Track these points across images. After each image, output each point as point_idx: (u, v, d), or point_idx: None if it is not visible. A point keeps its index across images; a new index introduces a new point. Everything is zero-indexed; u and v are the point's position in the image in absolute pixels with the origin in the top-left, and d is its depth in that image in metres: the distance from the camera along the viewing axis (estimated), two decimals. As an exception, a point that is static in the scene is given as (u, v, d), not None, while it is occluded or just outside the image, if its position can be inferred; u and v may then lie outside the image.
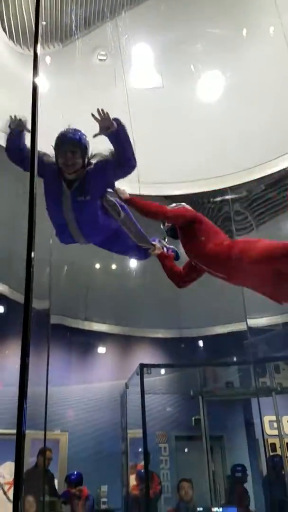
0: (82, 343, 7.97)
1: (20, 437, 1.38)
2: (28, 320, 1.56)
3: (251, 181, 6.01)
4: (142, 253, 3.04)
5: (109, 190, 2.75)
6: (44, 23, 5.26)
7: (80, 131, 2.61)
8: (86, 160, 2.59)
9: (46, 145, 2.45)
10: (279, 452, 6.70)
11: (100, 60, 6.12)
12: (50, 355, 4.99)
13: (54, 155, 2.58)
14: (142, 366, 5.91)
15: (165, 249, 3.10)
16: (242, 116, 5.93)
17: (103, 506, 6.71)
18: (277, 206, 6.19)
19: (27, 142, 2.53)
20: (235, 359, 7.61)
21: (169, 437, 7.40)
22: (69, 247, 6.54)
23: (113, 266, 7.26)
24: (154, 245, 3.02)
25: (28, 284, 1.60)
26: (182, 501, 5.77)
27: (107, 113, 2.50)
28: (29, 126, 2.19)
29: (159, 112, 6.07)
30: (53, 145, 2.58)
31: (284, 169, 5.72)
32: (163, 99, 6.16)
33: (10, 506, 1.30)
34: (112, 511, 6.74)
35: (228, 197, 6.18)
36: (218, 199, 6.29)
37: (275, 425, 6.67)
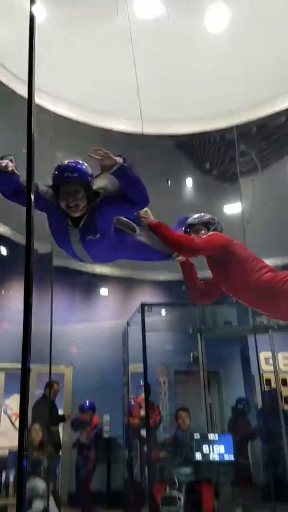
0: (85, 284, 8.12)
1: (24, 370, 1.44)
2: (29, 262, 1.58)
3: (258, 119, 5.80)
4: (165, 256, 2.70)
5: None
6: None
7: (79, 164, 2.23)
8: (91, 195, 2.25)
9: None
10: (273, 386, 7.04)
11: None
12: (54, 296, 5.10)
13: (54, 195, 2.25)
14: (143, 304, 6.06)
15: None
16: (249, 49, 5.60)
17: (105, 434, 7.17)
18: (283, 146, 6.02)
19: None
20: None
21: (169, 371, 7.74)
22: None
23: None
24: (174, 256, 2.68)
25: (29, 226, 1.60)
26: (179, 429, 6.15)
27: (106, 152, 2.17)
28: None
29: (163, 45, 5.74)
30: (51, 183, 2.24)
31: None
32: (167, 30, 5.79)
33: (17, 434, 1.40)
34: (114, 439, 7.21)
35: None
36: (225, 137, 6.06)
37: (271, 361, 6.94)
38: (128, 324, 7.03)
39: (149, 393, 6.12)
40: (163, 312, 7.62)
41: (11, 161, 2.24)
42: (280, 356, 7.56)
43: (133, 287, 8.41)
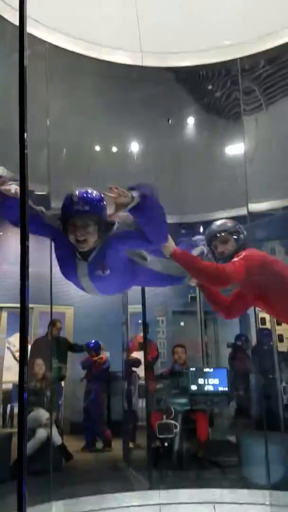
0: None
1: (23, 308, 1.48)
2: (25, 204, 1.55)
3: (263, 51, 5.47)
4: (178, 280, 2.57)
5: None
6: None
7: (91, 195, 2.05)
8: (103, 228, 2.07)
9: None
10: (268, 326, 7.26)
11: None
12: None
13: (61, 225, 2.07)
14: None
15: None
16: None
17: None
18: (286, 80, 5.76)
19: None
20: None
21: (167, 311, 7.94)
22: (68, 128, 6.21)
23: (114, 149, 7.02)
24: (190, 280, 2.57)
25: (23, 166, 1.55)
26: (176, 363, 6.42)
27: (122, 190, 1.97)
28: None
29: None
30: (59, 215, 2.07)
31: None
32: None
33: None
34: (114, 373, 7.55)
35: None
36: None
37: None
38: (128, 265, 7.11)
39: (148, 330, 6.32)
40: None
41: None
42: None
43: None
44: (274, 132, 6.49)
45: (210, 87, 6.30)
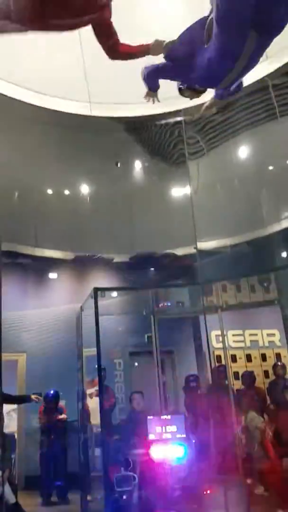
0: (36, 269, 8.00)
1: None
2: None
3: (203, 103, 5.89)
4: None
5: None
6: None
7: None
8: None
9: None
10: (223, 363, 7.32)
11: None
12: (3, 281, 4.99)
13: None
14: (96, 289, 6.05)
15: None
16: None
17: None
18: (228, 130, 6.18)
19: None
20: (184, 280, 7.96)
21: (123, 353, 7.85)
22: (18, 171, 6.26)
23: (66, 192, 7.13)
24: None
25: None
26: (134, 411, 6.29)
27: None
28: None
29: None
30: None
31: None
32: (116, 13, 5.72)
33: None
34: (70, 423, 7.26)
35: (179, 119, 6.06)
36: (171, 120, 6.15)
37: (221, 338, 7.20)
38: (81, 309, 7.02)
39: (104, 376, 6.19)
40: (116, 294, 7.68)
41: None
42: (230, 333, 7.87)
43: (85, 270, 8.38)
44: (216, 174, 6.87)
45: (156, 135, 6.64)
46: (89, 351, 6.73)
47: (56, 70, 5.62)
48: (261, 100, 5.83)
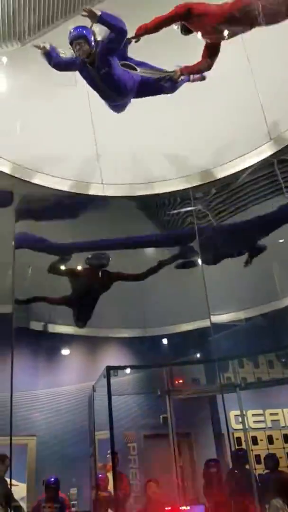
0: (48, 346, 7.89)
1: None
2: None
3: (212, 181, 6.18)
4: (170, 84, 4.10)
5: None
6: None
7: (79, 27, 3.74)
8: (93, 44, 3.68)
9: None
10: (244, 446, 6.87)
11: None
12: (15, 360, 4.92)
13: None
14: (108, 368, 5.92)
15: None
16: (206, 117, 6.01)
17: (73, 509, 6.67)
18: (236, 205, 6.39)
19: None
20: (199, 355, 7.74)
21: (138, 436, 7.44)
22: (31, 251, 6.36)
23: (78, 267, 7.23)
24: (174, 71, 4.07)
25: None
26: (150, 500, 5.83)
27: (88, 9, 3.61)
28: None
29: (121, 115, 6.11)
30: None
31: (242, 169, 5.92)
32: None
33: None
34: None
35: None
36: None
37: (240, 419, 6.83)
38: (93, 388, 6.81)
39: (117, 462, 5.83)
40: (129, 371, 7.45)
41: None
42: (249, 413, 7.48)
43: (97, 346, 8.23)
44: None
45: (166, 212, 6.88)
46: (102, 433, 6.41)
47: (69, 153, 5.99)
48: (267, 177, 6.09)
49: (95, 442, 6.76)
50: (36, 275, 6.72)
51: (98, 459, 6.65)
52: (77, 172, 6.22)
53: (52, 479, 5.96)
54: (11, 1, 5.16)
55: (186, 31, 3.96)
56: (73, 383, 7.80)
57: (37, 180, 6.02)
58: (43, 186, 6.01)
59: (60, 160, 6.06)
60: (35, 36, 5.49)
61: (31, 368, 7.58)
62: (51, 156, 5.99)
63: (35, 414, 7.28)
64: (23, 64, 5.49)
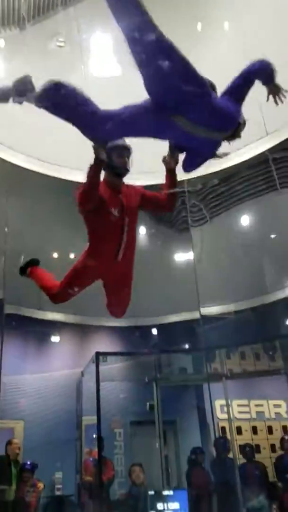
0: (38, 332, 7.93)
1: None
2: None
3: (206, 174, 6.17)
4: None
5: None
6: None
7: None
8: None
9: None
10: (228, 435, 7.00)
11: (59, 46, 6.02)
12: (5, 345, 4.97)
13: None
14: (97, 354, 5.98)
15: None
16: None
17: (57, 493, 6.79)
18: (230, 199, 6.40)
19: None
20: (187, 346, 7.83)
21: (124, 422, 7.55)
22: (25, 235, 6.44)
23: (71, 256, 7.25)
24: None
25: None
26: (134, 485, 5.95)
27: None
28: None
29: (117, 102, 6.08)
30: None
31: (237, 164, 5.92)
32: (121, 88, 6.17)
33: None
34: (67, 497, 6.84)
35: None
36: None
37: (225, 409, 6.95)
38: (82, 374, 6.88)
39: (103, 447, 5.93)
40: (118, 359, 7.54)
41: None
42: (234, 403, 7.60)
43: (87, 334, 8.29)
44: (219, 241, 7.01)
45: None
46: (89, 419, 6.50)
47: (65, 139, 5.96)
48: (262, 172, 6.10)
49: (82, 427, 6.86)
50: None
51: (85, 445, 6.76)
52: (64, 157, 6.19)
53: (28, 463, 6.08)
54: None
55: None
56: (62, 369, 7.86)
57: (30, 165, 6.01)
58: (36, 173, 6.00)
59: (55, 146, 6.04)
60: (33, 21, 5.38)
61: (21, 353, 7.63)
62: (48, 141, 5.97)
63: (23, 399, 7.35)
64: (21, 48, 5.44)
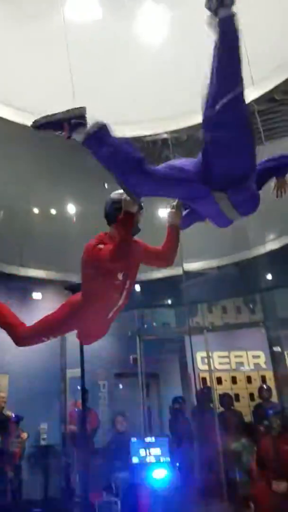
0: (20, 289, 7.87)
1: None
2: None
3: (191, 126, 5.97)
4: None
5: None
6: None
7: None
8: None
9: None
10: (209, 385, 7.26)
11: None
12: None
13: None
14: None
15: None
16: (185, 57, 5.76)
17: (43, 443, 7.01)
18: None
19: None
20: (170, 301, 7.92)
21: (108, 374, 7.72)
22: (4, 190, 6.21)
23: (52, 211, 7.11)
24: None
25: None
26: (117, 433, 6.17)
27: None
28: None
29: (98, 48, 5.75)
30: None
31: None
32: (102, 32, 5.83)
33: None
34: (52, 447, 7.07)
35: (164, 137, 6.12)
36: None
37: (206, 360, 7.16)
38: (65, 329, 6.92)
39: (87, 398, 6.07)
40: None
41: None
42: (215, 355, 7.83)
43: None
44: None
45: (144, 155, 6.70)
46: (73, 372, 6.62)
47: (43, 88, 5.65)
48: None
49: (66, 380, 7.01)
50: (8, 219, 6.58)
51: (70, 397, 6.92)
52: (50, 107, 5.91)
53: (13, 416, 6.30)
54: None
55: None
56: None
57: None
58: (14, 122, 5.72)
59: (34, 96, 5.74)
60: None
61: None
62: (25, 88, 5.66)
63: (7, 354, 7.40)
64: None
